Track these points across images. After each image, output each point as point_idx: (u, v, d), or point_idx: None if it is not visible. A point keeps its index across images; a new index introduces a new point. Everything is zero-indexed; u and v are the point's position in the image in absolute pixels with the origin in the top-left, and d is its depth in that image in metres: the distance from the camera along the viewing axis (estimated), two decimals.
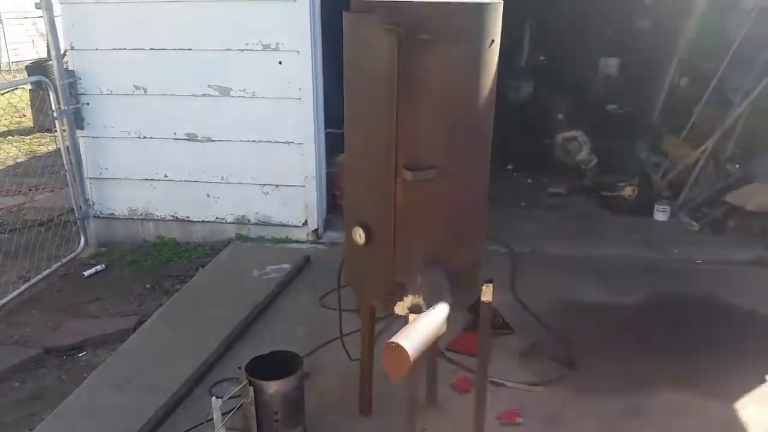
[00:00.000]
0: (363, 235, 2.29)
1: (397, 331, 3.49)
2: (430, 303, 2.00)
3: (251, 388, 2.58)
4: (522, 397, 3.06)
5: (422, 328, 1.83)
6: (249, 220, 4.97)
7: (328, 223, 5.01)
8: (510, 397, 3.05)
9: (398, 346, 1.70)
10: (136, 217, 5.06)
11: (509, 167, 6.35)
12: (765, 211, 4.73)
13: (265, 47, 4.52)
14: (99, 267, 4.64)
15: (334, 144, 5.02)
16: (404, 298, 2.13)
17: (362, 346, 2.79)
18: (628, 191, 5.58)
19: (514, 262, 4.44)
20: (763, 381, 3.19)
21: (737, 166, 5.24)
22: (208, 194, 4.94)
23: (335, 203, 5.19)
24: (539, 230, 5.09)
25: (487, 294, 2.32)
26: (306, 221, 4.88)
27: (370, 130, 2.26)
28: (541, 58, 8.28)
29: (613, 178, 5.88)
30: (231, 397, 2.56)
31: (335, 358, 3.27)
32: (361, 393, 2.89)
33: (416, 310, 2.07)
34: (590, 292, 4.09)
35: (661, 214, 5.30)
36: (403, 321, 3.47)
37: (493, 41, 2.17)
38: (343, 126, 2.47)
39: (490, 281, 2.33)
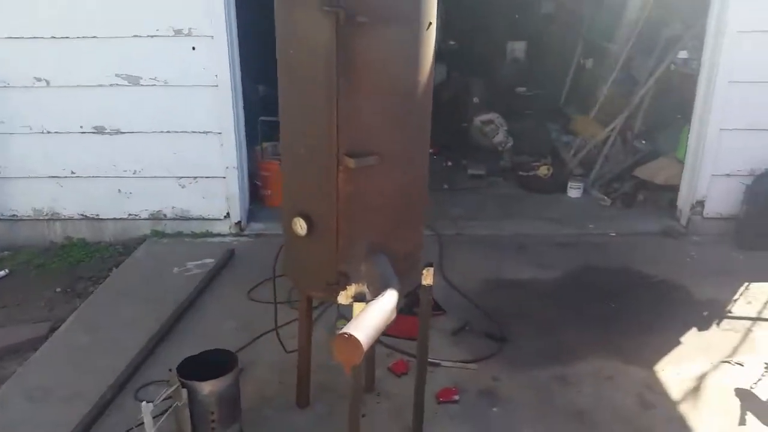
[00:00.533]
0: (304, 225, 2.22)
1: (331, 321, 3.48)
2: (376, 291, 1.96)
3: (185, 390, 2.47)
4: (457, 375, 3.11)
5: (373, 316, 1.79)
6: (165, 215, 4.74)
7: (251, 215, 4.87)
8: (446, 375, 3.09)
9: (351, 336, 1.66)
10: (41, 218, 4.72)
11: (429, 151, 6.40)
12: (672, 184, 4.98)
13: (177, 33, 4.29)
14: (2, 272, 4.30)
15: (262, 133, 4.91)
16: (347, 287, 2.09)
17: (300, 338, 2.73)
18: (543, 170, 5.75)
19: (441, 245, 4.49)
20: (678, 344, 3.39)
21: (644, 142, 5.51)
22: (119, 190, 4.68)
23: (258, 194, 5.06)
24: (462, 212, 5.16)
25: (427, 278, 2.32)
26: (228, 213, 4.71)
27: (309, 118, 2.18)
28: (452, 42, 8.38)
29: (529, 158, 6.06)
30: (163, 400, 2.44)
31: (269, 350, 3.20)
32: (299, 384, 2.83)
33: (361, 298, 2.04)
34: (514, 269, 4.20)
35: (574, 191, 5.51)
36: (337, 310, 3.47)
37: (430, 23, 2.14)
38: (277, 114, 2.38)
39: (430, 265, 2.33)
